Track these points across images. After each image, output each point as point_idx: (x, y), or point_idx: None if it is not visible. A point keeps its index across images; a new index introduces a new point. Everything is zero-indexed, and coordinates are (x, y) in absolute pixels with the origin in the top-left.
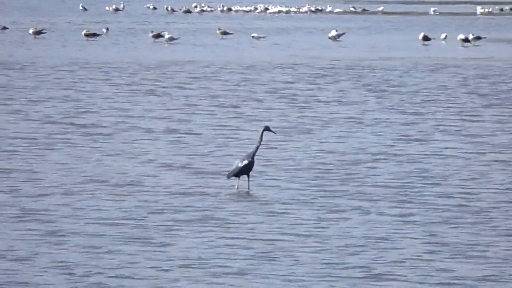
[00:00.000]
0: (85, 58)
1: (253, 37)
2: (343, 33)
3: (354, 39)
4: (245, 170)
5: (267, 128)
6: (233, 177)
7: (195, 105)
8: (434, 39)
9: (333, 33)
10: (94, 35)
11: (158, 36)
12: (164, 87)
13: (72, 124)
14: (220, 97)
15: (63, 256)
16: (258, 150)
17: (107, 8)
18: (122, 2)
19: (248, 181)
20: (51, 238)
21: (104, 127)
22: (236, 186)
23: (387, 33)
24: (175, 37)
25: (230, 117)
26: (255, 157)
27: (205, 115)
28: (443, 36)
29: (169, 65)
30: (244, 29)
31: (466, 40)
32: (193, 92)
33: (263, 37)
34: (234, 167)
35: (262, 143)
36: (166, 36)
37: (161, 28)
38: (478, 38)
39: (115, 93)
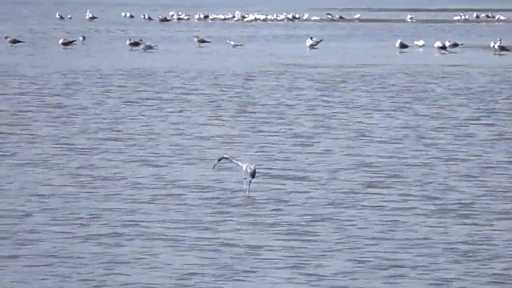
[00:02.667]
0: (63, 66)
1: (230, 44)
2: (321, 41)
3: (331, 47)
4: (254, 173)
5: (221, 158)
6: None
7: (172, 112)
8: (411, 46)
9: (310, 41)
10: (70, 42)
11: (136, 44)
12: (143, 96)
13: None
14: (193, 103)
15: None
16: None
17: (86, 16)
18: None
19: (249, 184)
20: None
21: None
22: (247, 190)
23: (364, 40)
24: (153, 45)
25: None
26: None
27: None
28: (420, 43)
29: (146, 73)
30: (222, 37)
31: (443, 47)
32: (170, 100)
33: (240, 45)
34: (247, 169)
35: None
36: (143, 44)
37: (138, 36)
38: (455, 45)
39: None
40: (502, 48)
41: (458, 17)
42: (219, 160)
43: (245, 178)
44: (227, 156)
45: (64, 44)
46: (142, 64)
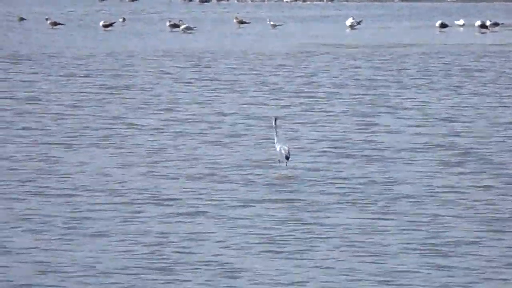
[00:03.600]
0: (102, 48)
1: (269, 25)
2: (361, 21)
3: (371, 27)
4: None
5: (276, 118)
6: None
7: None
8: (451, 26)
9: (350, 21)
10: (111, 24)
11: (175, 25)
12: (196, 77)
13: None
14: (239, 84)
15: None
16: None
17: None
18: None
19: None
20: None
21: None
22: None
23: (404, 20)
24: (192, 26)
25: (248, 103)
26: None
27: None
28: (460, 22)
29: (189, 54)
30: (261, 18)
31: (483, 26)
32: (224, 81)
33: (280, 25)
34: (282, 151)
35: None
36: (183, 25)
37: (178, 18)
38: (495, 24)
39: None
40: None
41: None
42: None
43: (279, 160)
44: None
45: (104, 26)
46: (183, 45)
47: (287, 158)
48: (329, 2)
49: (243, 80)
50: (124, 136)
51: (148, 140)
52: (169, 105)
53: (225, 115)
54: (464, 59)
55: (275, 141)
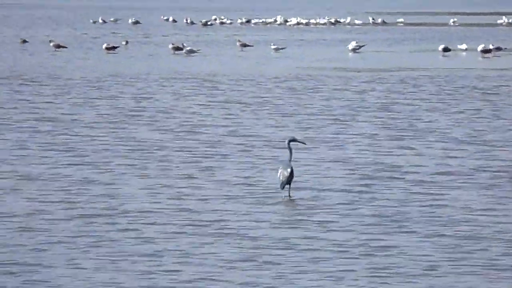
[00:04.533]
0: (108, 71)
1: (272, 48)
2: (364, 45)
3: (374, 51)
4: (291, 177)
5: (293, 139)
6: (285, 186)
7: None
8: (454, 50)
9: (353, 44)
10: (114, 48)
11: (178, 48)
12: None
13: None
14: (243, 106)
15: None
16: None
17: (129, 20)
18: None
19: (290, 188)
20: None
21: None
22: (283, 196)
23: (407, 44)
24: (195, 49)
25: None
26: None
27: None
28: (463, 47)
29: (189, 77)
30: (264, 41)
31: (486, 51)
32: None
33: (283, 48)
34: (280, 176)
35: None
36: (186, 48)
37: (181, 41)
38: (498, 48)
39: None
40: None
41: (502, 21)
42: (292, 141)
43: (281, 186)
44: (294, 141)
45: (107, 49)
46: (186, 68)
47: (282, 186)
48: (332, 26)
49: (257, 102)
50: (153, 158)
51: (175, 163)
52: (191, 128)
53: (249, 136)
54: (475, 82)
55: (285, 164)
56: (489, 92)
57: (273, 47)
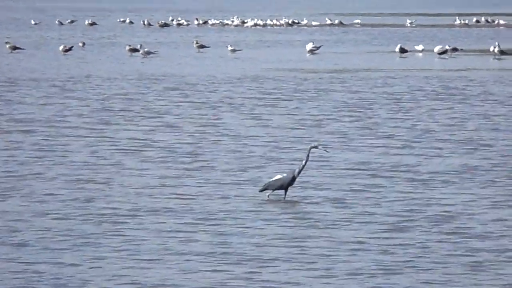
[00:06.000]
0: (65, 73)
1: (229, 49)
2: (320, 46)
3: (332, 52)
4: (287, 186)
5: (314, 147)
6: (269, 191)
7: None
8: (411, 51)
9: (311, 46)
10: (70, 49)
11: (135, 50)
12: (144, 100)
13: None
14: (198, 109)
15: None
16: (303, 169)
17: (86, 22)
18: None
19: (285, 194)
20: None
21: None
22: (268, 195)
23: (364, 45)
24: (152, 50)
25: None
26: (298, 175)
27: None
28: (419, 48)
29: (146, 78)
30: (221, 42)
31: (443, 52)
32: (171, 104)
33: (240, 50)
34: (272, 181)
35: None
36: (142, 50)
37: (138, 42)
38: (455, 49)
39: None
40: (501, 52)
41: (458, 22)
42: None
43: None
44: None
45: (64, 50)
46: (143, 69)
47: (285, 187)
48: (289, 27)
49: (221, 102)
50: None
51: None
52: (159, 127)
53: (224, 135)
54: (432, 82)
55: (299, 169)
56: (443, 92)
57: (229, 48)
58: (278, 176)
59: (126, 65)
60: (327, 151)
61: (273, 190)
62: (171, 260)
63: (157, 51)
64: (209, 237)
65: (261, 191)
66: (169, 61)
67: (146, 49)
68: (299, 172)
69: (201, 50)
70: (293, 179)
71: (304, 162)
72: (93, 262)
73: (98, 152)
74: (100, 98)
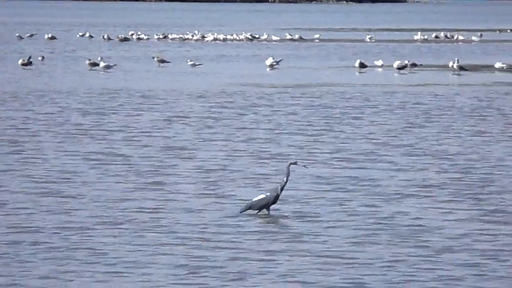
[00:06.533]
0: (24, 86)
1: (189, 64)
2: (280, 60)
3: (292, 67)
4: (271, 204)
5: (294, 163)
6: (253, 210)
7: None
8: (370, 66)
9: (270, 60)
10: (30, 63)
11: (95, 64)
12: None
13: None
14: (150, 129)
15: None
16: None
17: (46, 36)
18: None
19: (268, 211)
20: None
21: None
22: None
23: (324, 60)
24: (112, 64)
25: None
26: (281, 193)
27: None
28: (379, 63)
29: (106, 93)
30: (182, 57)
31: (402, 67)
32: (124, 120)
33: (200, 65)
34: (255, 200)
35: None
36: (102, 64)
37: (98, 56)
38: (414, 65)
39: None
40: (460, 67)
41: (418, 37)
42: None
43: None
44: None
45: (23, 64)
46: (104, 83)
47: (264, 207)
48: (249, 42)
49: (183, 117)
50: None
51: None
52: (123, 140)
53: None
54: (390, 97)
55: (281, 186)
56: (400, 107)
57: (189, 63)
58: (262, 196)
59: (86, 79)
60: (306, 167)
61: (257, 209)
62: (137, 273)
63: (115, 65)
64: (175, 251)
65: (242, 211)
66: (129, 76)
67: (106, 63)
68: (281, 190)
69: (162, 64)
70: (277, 197)
71: (285, 179)
72: (60, 274)
73: (59, 166)
74: (60, 112)
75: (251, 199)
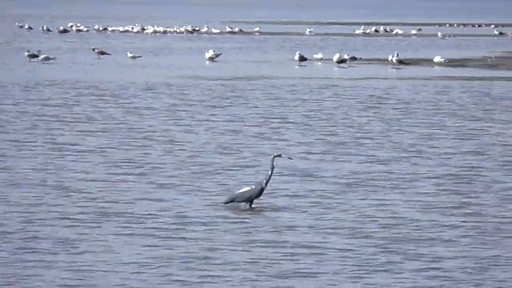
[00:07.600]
0: None
1: (129, 56)
2: (220, 54)
3: (232, 60)
4: (255, 197)
5: (278, 155)
6: (236, 203)
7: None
8: (310, 59)
9: (210, 53)
10: None
11: (34, 55)
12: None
13: None
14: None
15: None
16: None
17: None
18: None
19: (250, 204)
20: None
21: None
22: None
23: (263, 53)
24: (51, 56)
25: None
26: (266, 186)
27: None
28: (318, 56)
29: (44, 84)
30: (121, 49)
31: (341, 61)
32: (66, 112)
33: (139, 57)
34: (239, 192)
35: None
36: (42, 55)
37: (37, 48)
38: (353, 58)
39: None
40: (400, 61)
41: (359, 31)
42: (276, 156)
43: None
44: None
45: None
46: (43, 75)
47: (250, 199)
48: (190, 34)
49: (128, 109)
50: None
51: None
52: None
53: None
54: (330, 90)
55: (266, 180)
56: (341, 99)
57: (129, 55)
58: (246, 188)
59: (25, 71)
60: (291, 159)
61: (241, 202)
62: (114, 263)
63: (55, 57)
64: (157, 242)
65: (226, 203)
66: (68, 67)
67: (45, 55)
68: (266, 183)
69: (101, 56)
70: (261, 191)
71: (270, 172)
72: (39, 269)
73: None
74: (5, 103)
75: (234, 191)
